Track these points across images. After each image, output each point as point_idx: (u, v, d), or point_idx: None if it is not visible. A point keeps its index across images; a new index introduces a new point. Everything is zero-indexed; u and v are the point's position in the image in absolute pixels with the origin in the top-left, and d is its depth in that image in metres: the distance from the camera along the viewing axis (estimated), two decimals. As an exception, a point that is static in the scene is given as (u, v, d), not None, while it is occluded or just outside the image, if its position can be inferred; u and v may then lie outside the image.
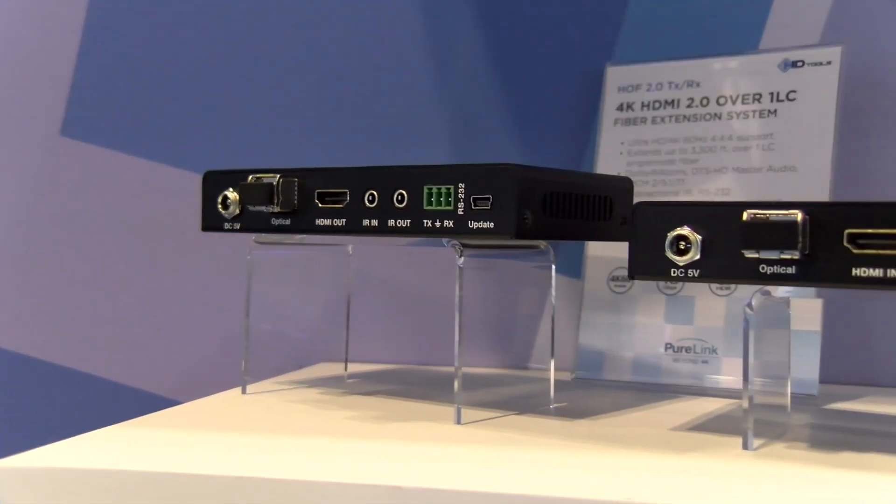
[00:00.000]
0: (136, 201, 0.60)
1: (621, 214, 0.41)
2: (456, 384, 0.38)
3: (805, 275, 0.32)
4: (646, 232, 0.34)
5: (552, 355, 0.43)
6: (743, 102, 0.49)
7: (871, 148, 0.50)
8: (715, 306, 0.48)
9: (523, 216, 0.36)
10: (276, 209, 0.41)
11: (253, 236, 0.44)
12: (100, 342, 0.60)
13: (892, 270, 0.30)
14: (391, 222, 0.39)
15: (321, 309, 0.57)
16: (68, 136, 0.60)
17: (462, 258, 0.38)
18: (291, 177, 0.41)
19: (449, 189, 0.37)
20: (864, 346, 0.50)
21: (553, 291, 0.43)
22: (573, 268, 0.53)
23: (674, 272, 0.34)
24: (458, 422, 0.38)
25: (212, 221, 0.43)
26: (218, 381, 0.49)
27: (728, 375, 0.46)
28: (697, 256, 0.33)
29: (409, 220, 0.38)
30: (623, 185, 0.42)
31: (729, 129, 0.49)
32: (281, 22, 0.59)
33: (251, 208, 0.42)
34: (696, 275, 0.34)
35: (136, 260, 0.60)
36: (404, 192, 0.38)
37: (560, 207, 0.38)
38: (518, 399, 0.46)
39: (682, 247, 0.34)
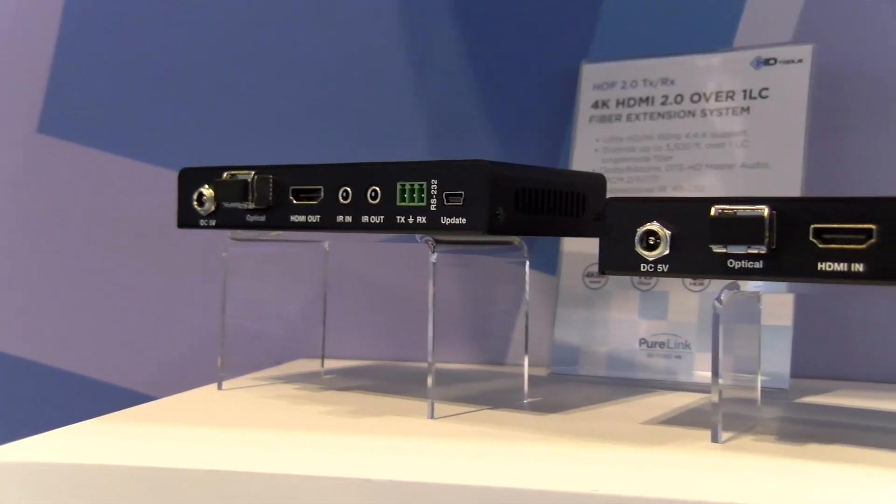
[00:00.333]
0: (113, 198, 0.60)
1: (594, 210, 0.41)
2: (429, 379, 0.38)
3: (772, 269, 0.32)
4: (616, 227, 0.35)
5: (526, 351, 0.43)
6: (717, 100, 0.49)
7: (842, 145, 0.51)
8: (688, 302, 0.48)
9: (495, 212, 0.36)
10: (251, 206, 0.41)
11: (228, 233, 0.45)
12: (77, 339, 0.60)
13: (856, 265, 0.31)
14: (365, 218, 0.39)
15: (299, 306, 0.57)
16: (45, 133, 0.60)
17: (435, 254, 0.38)
18: (266, 174, 0.41)
19: (422, 185, 0.37)
20: (836, 341, 0.51)
21: (527, 287, 0.43)
22: (549, 264, 0.54)
23: (644, 267, 0.34)
24: (431, 416, 0.38)
25: (187, 218, 0.44)
26: (196, 378, 0.49)
27: (701, 370, 0.47)
28: (667, 251, 0.34)
29: (382, 217, 0.38)
30: (596, 182, 0.43)
31: (703, 127, 0.49)
32: (259, 20, 0.59)
33: (226, 205, 0.42)
34: (665, 270, 0.34)
35: (113, 257, 0.60)
36: (378, 189, 0.38)
37: (532, 203, 0.38)
38: (492, 394, 0.47)
39: (651, 242, 0.34)
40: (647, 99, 0.51)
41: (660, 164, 0.50)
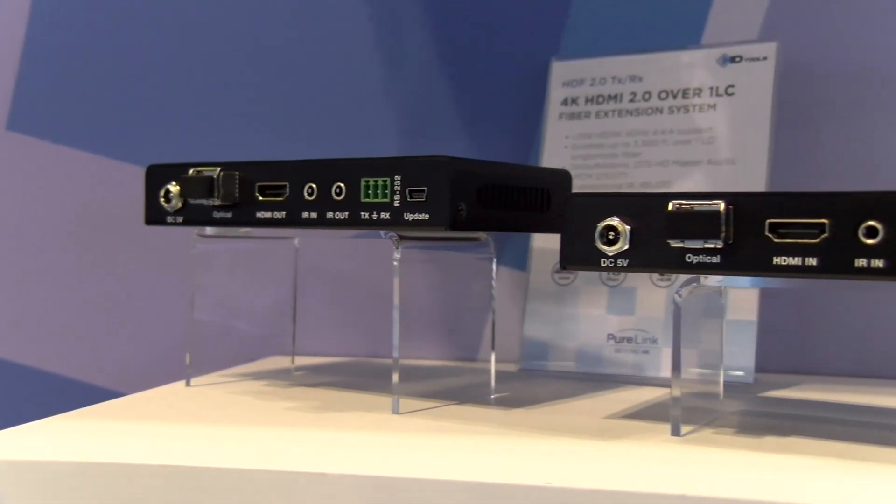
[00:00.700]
0: (82, 195, 0.60)
1: (559, 206, 0.41)
2: (395, 376, 0.39)
3: (729, 263, 0.32)
4: (576, 223, 0.35)
5: (493, 346, 0.43)
6: (684, 97, 0.50)
7: (806, 141, 0.51)
8: (656, 297, 0.48)
9: (457, 208, 0.36)
10: (218, 202, 0.41)
11: (196, 230, 0.45)
12: (44, 335, 0.60)
13: (810, 259, 0.31)
14: (330, 215, 0.39)
15: (270, 303, 0.57)
16: (14, 130, 0.60)
17: (399, 250, 0.38)
18: (232, 170, 0.41)
19: (385, 181, 0.38)
20: (800, 336, 0.51)
21: (493, 283, 0.43)
22: (519, 260, 0.54)
23: (604, 262, 0.35)
24: (396, 411, 0.38)
25: (155, 215, 0.44)
26: (166, 376, 0.49)
27: (668, 365, 0.47)
28: (626, 246, 0.34)
29: (347, 213, 0.39)
30: (561, 178, 0.43)
31: (670, 123, 0.50)
32: (229, 16, 0.59)
33: (192, 202, 0.42)
34: (625, 264, 0.34)
35: (83, 254, 0.60)
36: (342, 185, 0.39)
37: (496, 199, 0.39)
38: (459, 390, 0.47)
39: (611, 237, 0.34)
40: (616, 96, 0.51)
41: (628, 161, 0.50)
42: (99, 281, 0.60)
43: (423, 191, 0.37)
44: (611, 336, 0.49)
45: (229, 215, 0.42)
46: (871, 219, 0.30)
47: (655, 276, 0.48)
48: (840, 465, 0.31)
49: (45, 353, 0.60)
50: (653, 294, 0.48)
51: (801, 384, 0.47)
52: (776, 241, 0.32)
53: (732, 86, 0.48)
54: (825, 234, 0.30)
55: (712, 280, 0.36)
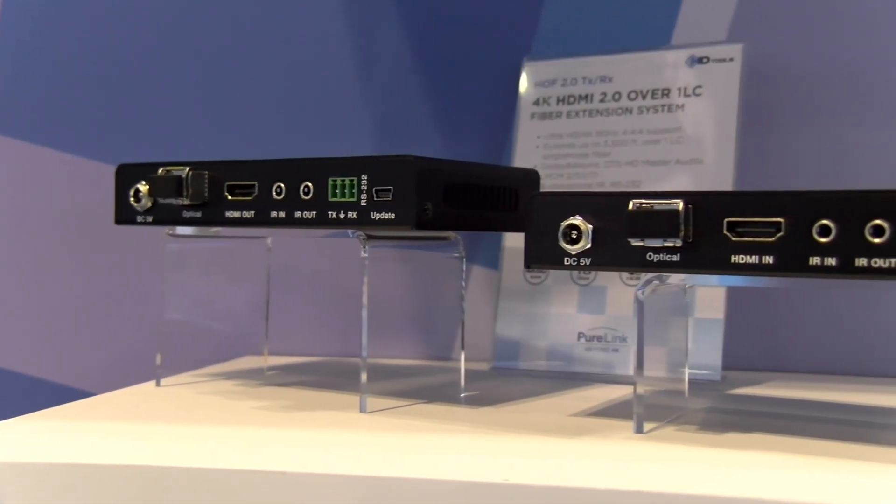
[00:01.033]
0: (54, 194, 0.60)
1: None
2: (363, 375, 0.39)
3: (688, 262, 0.33)
4: (540, 222, 0.35)
5: (462, 345, 0.44)
6: (652, 97, 0.50)
7: (772, 140, 0.51)
8: (625, 296, 0.49)
9: (423, 207, 0.37)
10: (187, 202, 0.41)
11: (166, 229, 0.45)
12: (14, 335, 0.60)
13: (767, 257, 0.31)
14: (298, 214, 0.39)
15: (244, 302, 0.57)
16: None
17: (366, 249, 0.39)
18: (201, 170, 0.41)
19: (352, 181, 0.38)
20: (769, 333, 0.52)
21: (463, 282, 0.44)
22: (491, 259, 0.54)
23: (567, 261, 0.35)
24: (364, 410, 0.39)
25: (125, 215, 0.44)
26: (138, 377, 0.49)
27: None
28: (588, 245, 0.34)
29: (315, 212, 0.39)
30: (530, 177, 0.43)
31: (639, 124, 0.50)
32: (202, 17, 0.59)
33: (162, 201, 0.42)
34: (587, 263, 0.35)
35: (53, 253, 0.60)
36: (310, 185, 0.39)
37: (463, 199, 0.39)
38: (430, 388, 0.47)
39: (574, 236, 0.35)
40: (587, 96, 0.52)
41: (598, 161, 0.51)
42: (69, 280, 0.60)
43: (389, 190, 0.37)
44: (581, 335, 0.49)
45: (199, 215, 0.42)
46: (825, 218, 0.30)
47: (625, 274, 0.49)
48: (797, 460, 0.31)
49: (12, 352, 0.60)
50: (623, 293, 0.49)
51: (768, 381, 0.48)
52: (734, 239, 0.32)
53: (700, 86, 0.49)
54: (781, 233, 0.31)
55: (675, 278, 0.36)
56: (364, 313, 0.39)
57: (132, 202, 0.43)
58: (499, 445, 0.33)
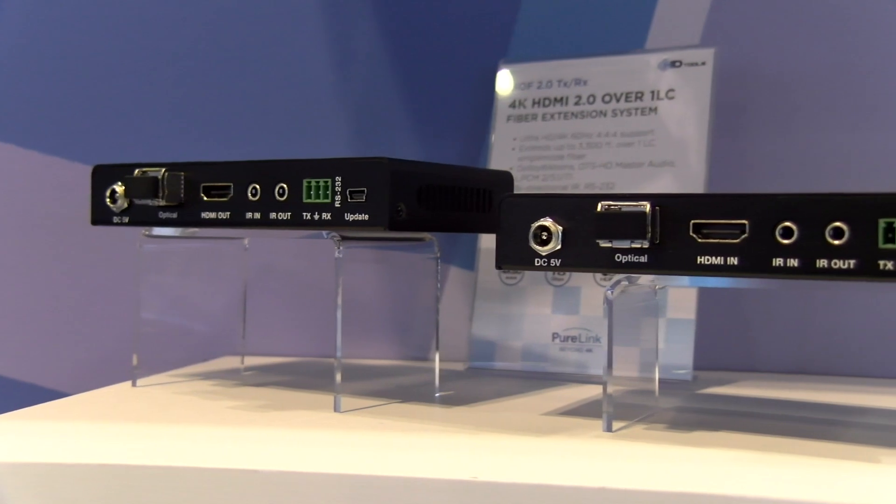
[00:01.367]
0: (29, 194, 0.60)
1: (500, 207, 0.42)
2: (337, 375, 0.39)
3: (655, 263, 0.33)
4: (511, 223, 0.36)
5: (437, 345, 0.44)
6: (626, 100, 0.51)
7: (743, 144, 0.52)
8: (599, 297, 0.49)
9: (397, 208, 0.37)
10: (163, 203, 0.42)
11: (143, 230, 0.45)
12: None
13: (731, 258, 0.32)
14: (273, 215, 0.39)
15: (222, 303, 0.57)
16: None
17: (340, 250, 0.39)
18: (177, 170, 0.41)
19: (326, 182, 0.38)
20: (740, 333, 0.52)
21: (438, 283, 0.44)
22: (467, 260, 0.55)
23: (537, 262, 0.35)
24: (338, 410, 0.39)
25: (101, 215, 0.44)
26: (114, 377, 0.49)
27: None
28: (558, 246, 0.35)
29: (289, 213, 0.39)
30: (503, 179, 0.44)
31: (613, 126, 0.51)
32: (176, 17, 0.59)
33: (138, 202, 0.42)
34: (557, 264, 0.35)
35: (28, 253, 0.60)
36: (285, 186, 0.39)
37: (436, 200, 0.39)
38: (404, 388, 0.47)
39: (544, 237, 0.35)
40: (562, 99, 0.52)
41: (573, 163, 0.51)
42: (45, 280, 0.60)
43: (362, 192, 0.37)
44: (556, 335, 0.50)
45: (174, 215, 0.42)
46: (787, 220, 0.31)
47: (599, 275, 0.49)
48: (764, 457, 0.32)
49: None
50: (596, 293, 0.49)
51: (739, 381, 0.49)
52: (700, 241, 0.32)
53: (673, 90, 0.50)
54: (745, 235, 0.31)
55: (644, 279, 0.37)
56: (338, 314, 0.40)
57: (108, 203, 0.43)
58: (470, 444, 0.34)
